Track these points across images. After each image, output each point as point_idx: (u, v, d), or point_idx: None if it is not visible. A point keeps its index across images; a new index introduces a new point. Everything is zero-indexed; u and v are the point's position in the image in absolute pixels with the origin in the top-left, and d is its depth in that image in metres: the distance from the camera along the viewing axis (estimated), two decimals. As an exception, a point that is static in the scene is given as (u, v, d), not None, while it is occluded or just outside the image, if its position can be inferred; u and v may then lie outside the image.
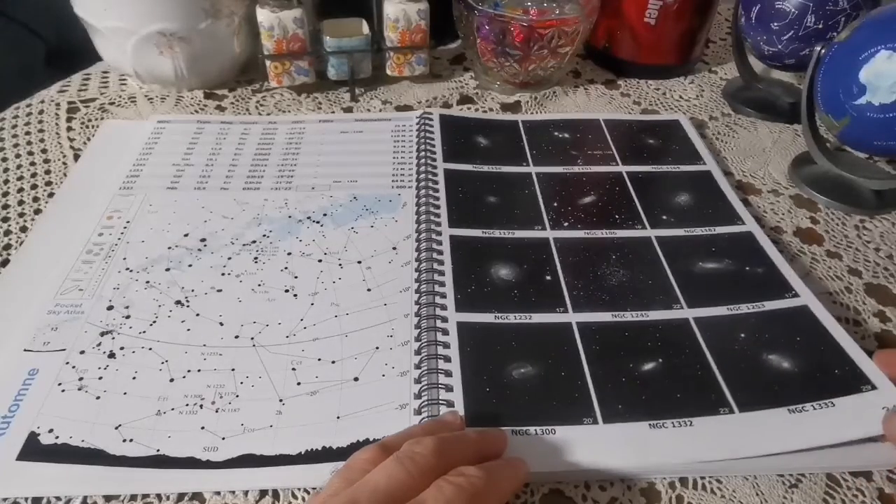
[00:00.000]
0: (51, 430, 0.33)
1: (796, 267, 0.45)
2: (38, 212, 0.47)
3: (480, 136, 0.56)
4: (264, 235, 0.45)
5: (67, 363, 0.36)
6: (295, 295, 0.41)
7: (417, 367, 0.37)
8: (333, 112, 0.60)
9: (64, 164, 0.52)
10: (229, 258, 0.43)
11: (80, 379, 0.35)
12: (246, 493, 0.31)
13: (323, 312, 0.40)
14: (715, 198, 0.50)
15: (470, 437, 0.31)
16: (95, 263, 0.43)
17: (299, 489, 0.31)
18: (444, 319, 0.39)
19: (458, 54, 0.70)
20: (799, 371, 0.37)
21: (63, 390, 0.35)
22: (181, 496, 0.31)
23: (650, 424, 0.34)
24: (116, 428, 0.33)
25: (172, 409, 0.34)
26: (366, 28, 0.61)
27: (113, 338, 0.38)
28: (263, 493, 0.31)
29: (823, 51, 0.50)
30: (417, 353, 0.37)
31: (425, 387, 0.35)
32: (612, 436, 0.33)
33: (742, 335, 0.39)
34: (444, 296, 0.40)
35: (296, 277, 0.42)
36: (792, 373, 0.36)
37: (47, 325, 0.38)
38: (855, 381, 0.35)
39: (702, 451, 0.33)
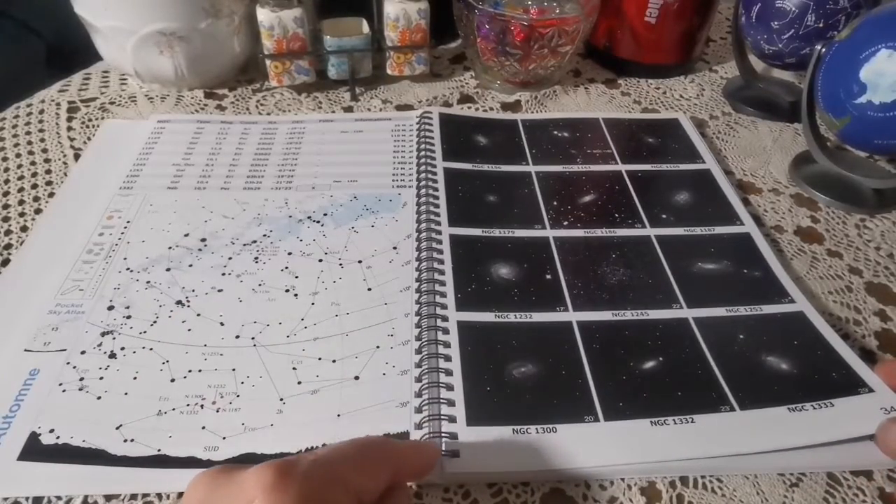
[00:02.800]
0: (52, 430, 0.33)
1: (795, 267, 0.45)
2: (38, 211, 0.47)
3: (480, 135, 0.56)
4: (265, 235, 0.45)
5: (68, 363, 0.36)
6: (295, 294, 0.41)
7: (418, 365, 0.37)
8: (334, 111, 0.60)
9: (64, 163, 0.52)
10: (230, 258, 0.43)
11: (81, 379, 0.35)
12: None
13: (323, 312, 0.40)
14: (714, 197, 0.50)
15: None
16: (96, 263, 0.43)
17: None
18: (445, 318, 0.39)
19: (459, 53, 0.70)
20: (797, 373, 0.37)
21: (64, 390, 0.35)
22: (181, 495, 0.31)
23: (651, 422, 0.34)
24: (117, 428, 0.33)
25: (173, 409, 0.34)
26: (366, 27, 0.61)
27: (114, 338, 0.38)
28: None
29: (824, 50, 0.50)
30: (418, 351, 0.37)
31: (426, 385, 0.35)
32: (613, 433, 0.33)
33: (741, 336, 0.39)
34: (444, 295, 0.40)
35: (296, 277, 0.42)
36: (791, 374, 0.37)
37: (48, 325, 0.38)
38: (852, 385, 0.36)
39: (703, 447, 0.33)
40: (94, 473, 0.31)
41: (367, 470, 0.26)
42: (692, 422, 0.34)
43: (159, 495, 0.31)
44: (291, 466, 0.23)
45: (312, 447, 0.33)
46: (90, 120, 0.57)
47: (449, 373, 0.36)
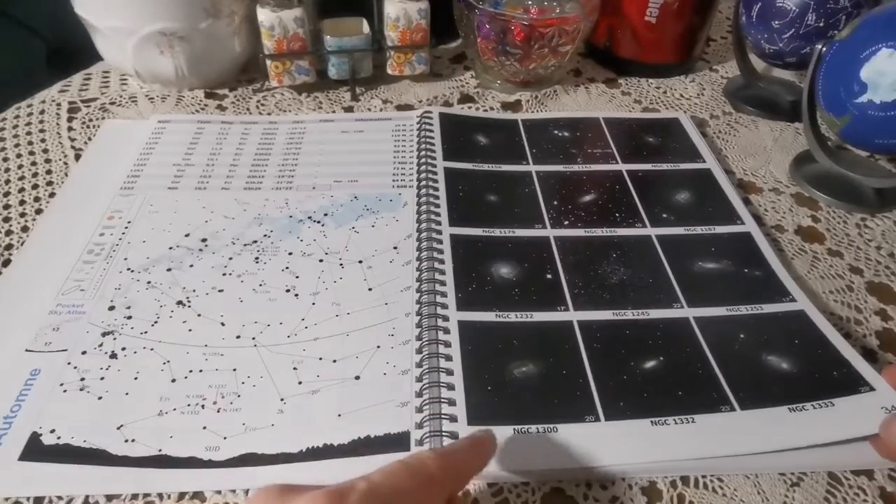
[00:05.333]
0: (53, 431, 0.33)
1: (796, 267, 0.45)
2: (39, 211, 0.47)
3: (480, 134, 0.56)
4: (265, 235, 0.45)
5: (69, 363, 0.36)
6: (296, 295, 0.41)
7: (419, 365, 0.37)
8: (334, 111, 0.60)
9: (65, 163, 0.52)
10: (230, 258, 0.43)
11: (82, 379, 0.36)
12: (246, 491, 0.31)
13: (324, 312, 0.40)
14: (715, 196, 0.50)
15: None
16: (97, 263, 0.43)
17: (301, 488, 0.31)
18: (446, 318, 0.39)
19: (459, 53, 0.70)
20: (798, 372, 0.37)
21: (65, 391, 0.35)
22: (182, 495, 0.31)
23: (652, 422, 0.34)
24: (118, 428, 0.33)
25: (174, 410, 0.34)
26: (366, 27, 0.61)
27: (114, 338, 0.38)
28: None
29: (824, 49, 0.50)
30: (419, 351, 0.37)
31: (426, 385, 0.35)
32: (614, 433, 0.33)
33: (741, 336, 0.39)
34: (444, 294, 0.40)
35: (297, 277, 0.42)
36: (791, 373, 0.37)
37: (49, 325, 0.38)
38: (853, 384, 0.36)
39: (704, 447, 0.33)
40: (95, 473, 0.31)
41: (421, 501, 0.25)
42: (693, 422, 0.34)
43: (160, 495, 0.31)
44: (344, 498, 0.23)
45: (313, 447, 0.33)
46: (91, 120, 0.57)
47: (450, 372, 0.36)
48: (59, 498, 0.31)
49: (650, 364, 0.37)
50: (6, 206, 0.47)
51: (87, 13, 0.55)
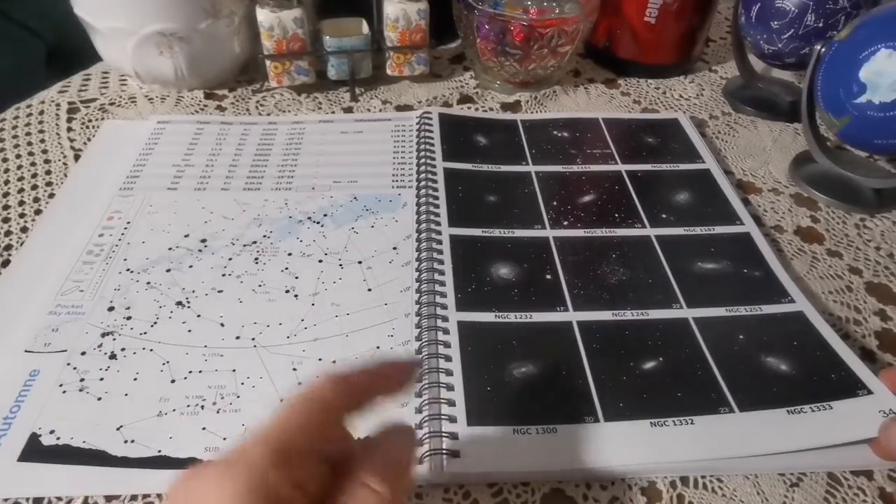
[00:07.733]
0: (52, 431, 0.33)
1: (795, 267, 0.45)
2: (38, 212, 0.47)
3: (479, 135, 0.56)
4: (265, 236, 0.45)
5: (68, 364, 0.36)
6: (296, 295, 0.41)
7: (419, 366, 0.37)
8: (333, 112, 0.60)
9: (64, 164, 0.52)
10: (230, 259, 0.43)
11: (82, 380, 0.36)
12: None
13: (324, 313, 0.40)
14: (714, 197, 0.50)
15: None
16: (96, 264, 0.43)
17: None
18: (445, 319, 0.39)
19: (458, 54, 0.70)
20: (797, 374, 0.37)
21: (64, 391, 0.35)
22: (182, 496, 0.31)
23: (651, 423, 0.34)
24: (118, 429, 0.33)
25: (174, 410, 0.34)
26: (366, 28, 0.61)
27: (114, 339, 0.38)
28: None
29: (823, 49, 0.50)
30: (418, 352, 0.37)
31: (426, 385, 0.35)
32: (613, 434, 0.33)
33: (741, 337, 0.39)
34: (444, 295, 0.40)
35: (296, 278, 0.42)
36: (790, 375, 0.37)
37: (48, 325, 0.38)
38: (851, 386, 0.36)
39: (703, 449, 0.33)
40: (95, 474, 0.31)
41: (310, 418, 0.22)
42: (692, 423, 0.34)
43: (160, 496, 0.31)
44: (243, 453, 0.21)
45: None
46: (90, 121, 0.57)
47: (449, 373, 0.36)
48: (59, 499, 0.31)
49: (649, 365, 0.37)
50: (6, 207, 0.47)
51: (86, 13, 0.55)
